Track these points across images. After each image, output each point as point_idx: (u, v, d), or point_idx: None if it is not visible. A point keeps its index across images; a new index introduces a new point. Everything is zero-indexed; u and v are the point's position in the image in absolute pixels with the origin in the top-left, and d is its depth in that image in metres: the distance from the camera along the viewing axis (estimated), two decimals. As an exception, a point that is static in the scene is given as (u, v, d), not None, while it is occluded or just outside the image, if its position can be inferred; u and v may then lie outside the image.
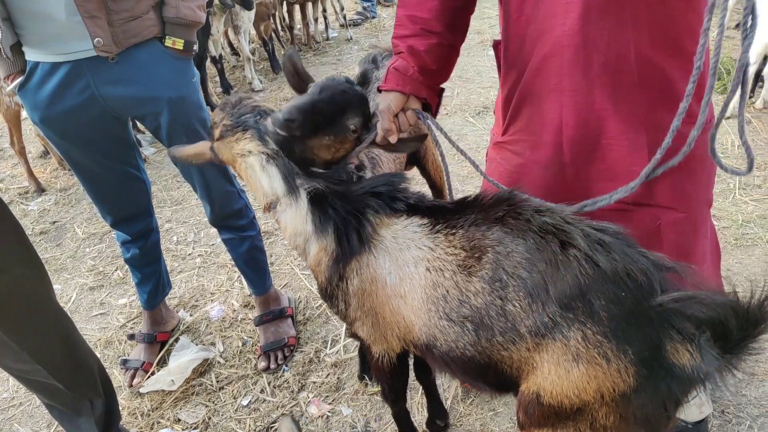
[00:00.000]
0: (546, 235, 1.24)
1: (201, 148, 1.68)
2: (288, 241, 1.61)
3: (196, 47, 2.12)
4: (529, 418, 1.30)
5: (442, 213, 1.44)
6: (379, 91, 1.64)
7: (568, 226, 1.24)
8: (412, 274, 1.39)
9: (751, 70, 4.56)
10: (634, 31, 1.40)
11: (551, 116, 1.56)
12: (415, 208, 1.49)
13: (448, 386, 2.41)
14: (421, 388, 2.25)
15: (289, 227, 1.54)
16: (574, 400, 1.19)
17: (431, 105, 1.69)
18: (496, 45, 1.71)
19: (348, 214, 1.47)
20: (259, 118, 1.56)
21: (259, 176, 1.53)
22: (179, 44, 2.04)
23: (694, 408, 1.93)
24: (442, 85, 1.72)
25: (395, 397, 1.92)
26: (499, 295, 1.25)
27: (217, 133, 1.60)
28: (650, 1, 1.37)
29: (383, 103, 1.58)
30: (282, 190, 1.51)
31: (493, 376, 1.36)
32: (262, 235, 3.61)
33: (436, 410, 2.16)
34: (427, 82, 1.62)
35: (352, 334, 1.70)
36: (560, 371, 1.19)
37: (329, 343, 2.73)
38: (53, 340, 1.86)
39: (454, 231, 1.37)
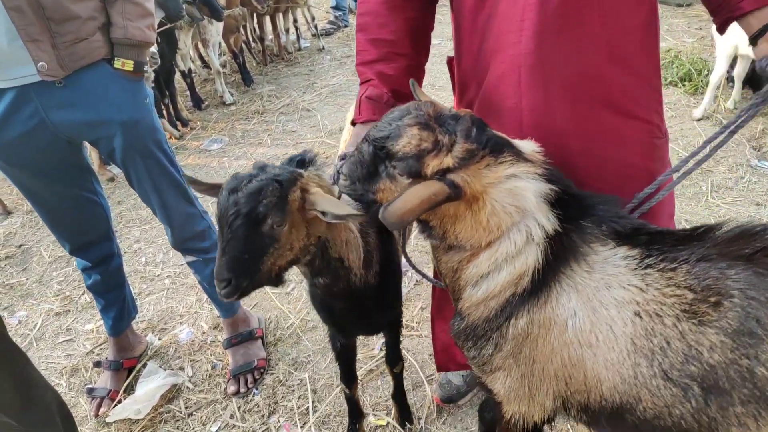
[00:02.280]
0: None
1: (431, 191, 1.16)
2: (474, 270, 1.27)
3: (147, 68, 2.06)
4: None
5: (656, 243, 1.17)
6: (353, 124, 1.59)
7: None
8: (612, 318, 1.13)
9: (718, 76, 4.58)
10: (592, 48, 1.37)
11: (511, 137, 1.52)
12: (626, 236, 1.20)
13: (420, 405, 2.36)
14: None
15: (508, 250, 1.23)
16: None
17: None
18: (450, 62, 1.68)
19: (568, 236, 1.21)
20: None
21: (526, 198, 1.20)
22: (129, 65, 1.98)
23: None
24: None
25: None
26: (746, 354, 0.99)
27: (446, 161, 1.17)
28: (605, 17, 1.35)
29: (360, 137, 1.44)
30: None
31: None
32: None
33: None
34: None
35: (482, 386, 1.43)
36: None
37: (301, 364, 2.67)
38: (3, 377, 1.78)
39: (674, 266, 1.10)
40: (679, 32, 6.76)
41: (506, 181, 1.18)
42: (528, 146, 1.26)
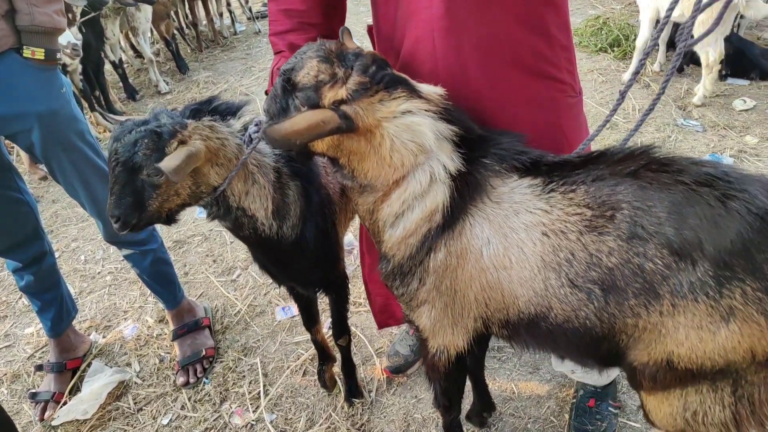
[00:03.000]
0: (701, 187, 1.11)
1: (320, 117, 1.21)
2: (388, 209, 1.34)
3: (60, 55, 1.98)
4: (656, 383, 1.21)
5: (556, 170, 1.27)
6: (267, 94, 1.57)
7: (735, 178, 1.12)
8: (522, 240, 1.23)
9: (643, 40, 4.75)
10: (500, 11, 1.40)
11: None
12: (528, 168, 1.29)
13: (370, 379, 2.40)
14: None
15: (415, 189, 1.30)
16: (718, 360, 1.11)
17: None
18: (370, 30, 1.68)
19: (471, 174, 1.29)
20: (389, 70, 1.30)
21: (424, 135, 1.25)
22: (39, 54, 1.89)
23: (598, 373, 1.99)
24: None
25: (449, 403, 1.73)
26: (637, 253, 1.12)
27: (341, 93, 1.22)
28: None
29: None
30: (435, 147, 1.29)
31: (605, 349, 1.25)
32: (175, 244, 3.50)
33: (486, 402, 2.09)
34: None
35: (409, 322, 1.58)
36: (703, 334, 1.10)
37: (250, 349, 2.66)
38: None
39: (573, 188, 1.21)
40: (608, 0, 6.94)
41: (401, 116, 1.24)
42: (428, 88, 1.31)
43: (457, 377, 1.65)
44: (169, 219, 1.58)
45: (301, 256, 1.79)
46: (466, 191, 1.28)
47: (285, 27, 1.60)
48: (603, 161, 1.23)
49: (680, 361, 1.14)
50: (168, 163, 1.37)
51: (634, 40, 5.36)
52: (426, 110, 1.26)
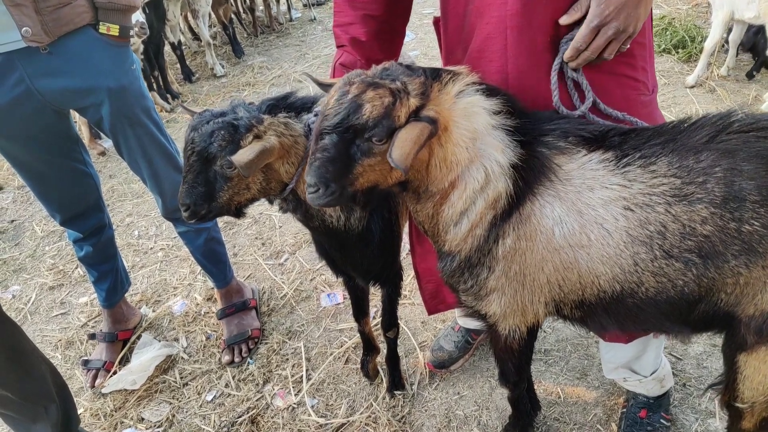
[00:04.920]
0: None
1: (417, 129, 1.15)
2: (449, 211, 1.32)
3: (133, 32, 2.02)
4: (763, 336, 1.21)
5: (629, 143, 1.26)
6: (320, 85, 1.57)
7: None
8: (602, 216, 1.22)
9: (713, 42, 4.57)
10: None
11: None
12: (596, 141, 1.28)
13: (413, 372, 2.39)
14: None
15: (474, 186, 1.28)
16: None
17: None
18: (436, 22, 1.65)
19: (532, 156, 1.27)
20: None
21: (477, 117, 1.25)
22: (114, 30, 1.94)
23: (655, 382, 1.93)
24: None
25: (518, 379, 1.73)
26: (733, 217, 1.13)
27: (413, 103, 1.18)
28: None
29: None
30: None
31: (701, 311, 1.25)
32: (225, 225, 3.56)
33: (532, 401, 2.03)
34: None
35: (476, 314, 1.51)
36: None
37: (295, 333, 2.68)
38: (-2, 350, 1.78)
39: (653, 160, 1.20)
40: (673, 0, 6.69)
41: (458, 100, 1.22)
42: (458, 68, 1.29)
43: (528, 351, 1.64)
44: (238, 212, 1.59)
45: (366, 247, 1.79)
46: (529, 175, 1.26)
47: (348, 18, 1.57)
48: (679, 130, 1.22)
49: None
50: (241, 157, 1.37)
51: (701, 42, 5.15)
52: (471, 83, 1.25)
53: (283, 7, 8.13)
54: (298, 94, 1.63)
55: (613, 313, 1.33)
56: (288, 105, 1.57)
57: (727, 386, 1.36)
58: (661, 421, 1.95)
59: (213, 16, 7.04)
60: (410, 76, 1.20)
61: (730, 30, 4.68)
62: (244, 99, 1.60)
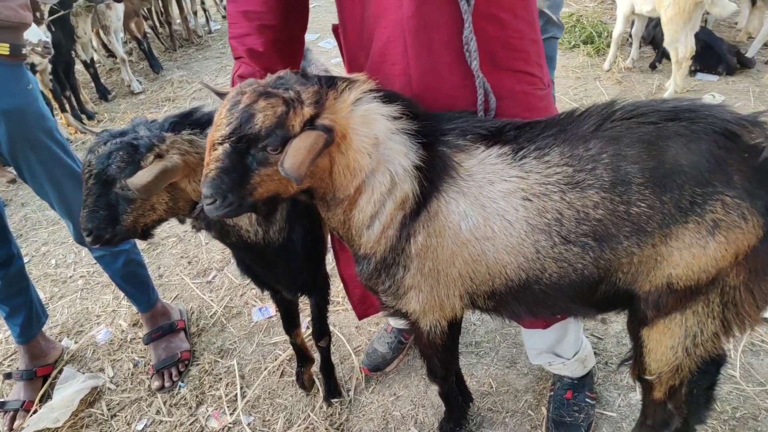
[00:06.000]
0: (667, 122, 1.19)
1: (311, 138, 1.14)
2: (360, 215, 1.33)
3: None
4: (660, 310, 1.28)
5: (524, 136, 1.30)
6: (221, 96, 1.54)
7: (696, 107, 1.20)
8: (503, 208, 1.26)
9: (618, 33, 4.87)
10: (467, 6, 1.38)
11: None
12: (493, 137, 1.32)
13: (349, 377, 2.38)
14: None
15: (381, 189, 1.29)
16: (711, 272, 1.19)
17: None
18: (335, 29, 1.65)
19: (434, 156, 1.30)
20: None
21: (376, 123, 1.25)
22: (4, 49, 1.84)
23: (578, 363, 2.01)
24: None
25: (446, 373, 1.75)
26: (622, 200, 1.18)
27: (307, 112, 1.16)
28: None
29: None
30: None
31: (603, 292, 1.31)
32: (149, 245, 3.44)
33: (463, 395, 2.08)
34: None
35: (397, 312, 1.52)
36: (695, 251, 1.17)
37: (227, 352, 2.62)
38: None
39: (547, 150, 1.25)
40: (582, -3, 7.01)
41: (355, 108, 1.23)
42: (355, 75, 1.31)
43: (452, 345, 1.67)
44: (145, 234, 1.53)
45: (289, 259, 1.76)
46: (433, 174, 1.29)
47: (243, 30, 1.55)
48: (569, 121, 1.28)
49: (679, 281, 1.21)
50: (138, 179, 1.31)
51: (607, 37, 5.47)
52: (368, 90, 1.26)
53: (201, 20, 7.96)
54: (204, 110, 1.58)
55: (523, 300, 1.38)
56: (193, 121, 1.52)
57: (636, 361, 1.43)
58: (587, 400, 2.03)
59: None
60: (304, 84, 1.20)
61: (633, 24, 4.99)
62: (146, 117, 1.55)
